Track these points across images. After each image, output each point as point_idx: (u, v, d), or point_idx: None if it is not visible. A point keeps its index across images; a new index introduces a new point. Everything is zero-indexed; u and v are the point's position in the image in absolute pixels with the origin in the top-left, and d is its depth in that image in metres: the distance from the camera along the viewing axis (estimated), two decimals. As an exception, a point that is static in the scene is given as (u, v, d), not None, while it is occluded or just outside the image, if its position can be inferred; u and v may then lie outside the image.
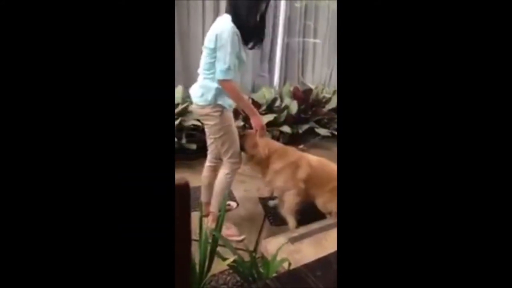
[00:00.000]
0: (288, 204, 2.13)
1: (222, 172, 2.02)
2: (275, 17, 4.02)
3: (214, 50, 1.73)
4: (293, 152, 2.18)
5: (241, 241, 2.02)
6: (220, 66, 1.69)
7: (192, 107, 1.98)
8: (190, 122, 3.01)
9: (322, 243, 1.84)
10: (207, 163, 2.13)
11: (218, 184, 2.02)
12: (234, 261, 1.47)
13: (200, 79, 1.86)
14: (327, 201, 2.12)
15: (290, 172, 2.09)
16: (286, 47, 4.30)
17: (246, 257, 1.61)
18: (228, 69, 1.69)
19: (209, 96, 1.80)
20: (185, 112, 3.06)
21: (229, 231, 2.06)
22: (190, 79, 3.44)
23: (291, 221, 2.15)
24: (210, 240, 1.42)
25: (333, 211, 2.13)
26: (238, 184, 2.59)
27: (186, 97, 3.18)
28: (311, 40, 4.63)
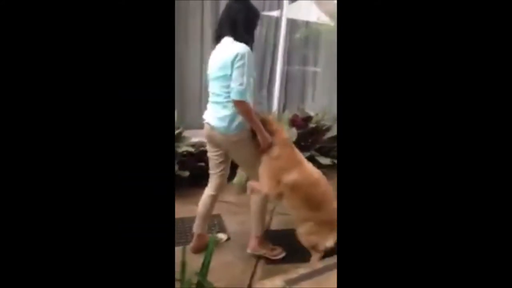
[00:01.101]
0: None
1: (254, 198, 1.91)
2: (275, 46, 4.00)
3: (230, 75, 1.66)
4: (296, 153, 1.89)
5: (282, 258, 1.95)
6: (237, 86, 1.63)
7: (218, 137, 1.81)
8: (183, 148, 2.84)
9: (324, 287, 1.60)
10: (211, 191, 1.98)
11: (257, 208, 1.93)
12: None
13: (219, 107, 1.76)
14: (311, 232, 1.86)
15: (278, 166, 1.79)
16: (286, 75, 4.26)
17: None
18: (246, 90, 1.64)
19: (238, 121, 1.73)
20: (178, 137, 2.91)
21: (275, 251, 1.99)
22: (186, 104, 3.35)
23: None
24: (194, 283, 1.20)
25: (319, 247, 1.87)
26: (231, 215, 2.37)
27: (180, 122, 3.05)
28: (311, 68, 4.61)
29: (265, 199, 1.95)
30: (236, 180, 2.84)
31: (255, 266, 1.92)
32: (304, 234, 1.87)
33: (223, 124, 1.74)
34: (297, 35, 4.22)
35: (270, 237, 2.16)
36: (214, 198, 1.97)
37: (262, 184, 1.83)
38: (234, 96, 1.64)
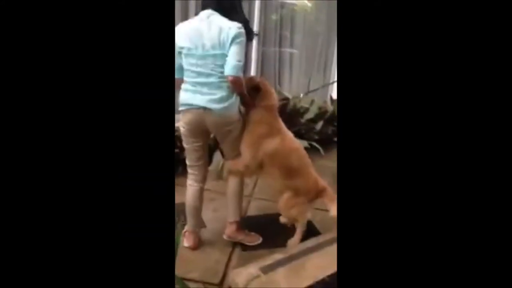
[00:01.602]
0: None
1: (232, 180, 1.85)
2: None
3: (226, 52, 1.57)
4: (278, 121, 1.81)
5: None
6: (235, 62, 1.54)
7: (210, 121, 1.66)
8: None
9: (300, 273, 1.57)
10: (198, 184, 1.84)
11: (233, 193, 1.88)
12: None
13: (212, 88, 1.61)
14: (291, 204, 1.82)
15: (259, 132, 1.71)
16: (262, 56, 4.15)
17: None
18: (242, 65, 1.57)
19: (234, 101, 1.66)
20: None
21: (252, 237, 1.95)
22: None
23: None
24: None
25: (300, 220, 1.87)
26: (207, 202, 2.28)
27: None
28: (288, 50, 4.51)
29: (242, 182, 1.88)
30: (211, 166, 2.75)
31: (231, 254, 1.87)
32: (285, 206, 1.84)
33: (222, 105, 1.61)
34: (273, 16, 4.09)
35: (247, 223, 2.11)
36: (201, 190, 1.86)
37: (243, 155, 1.75)
38: (231, 71, 1.54)
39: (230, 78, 1.55)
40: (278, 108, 2.04)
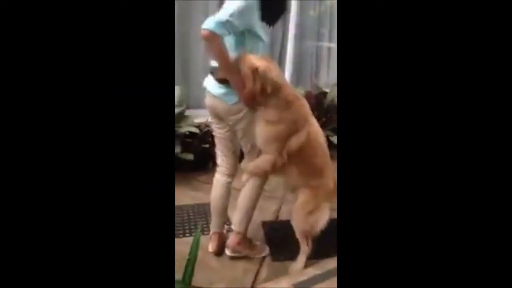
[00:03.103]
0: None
1: (252, 182, 1.60)
2: (285, 24, 3.70)
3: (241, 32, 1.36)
4: (301, 111, 1.48)
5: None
6: (218, 16, 1.28)
7: (220, 108, 1.51)
8: (186, 128, 2.60)
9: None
10: (225, 178, 1.67)
11: (247, 198, 1.63)
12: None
13: None
14: (308, 211, 1.54)
15: (279, 130, 1.43)
16: (299, 51, 3.95)
17: None
18: (225, 23, 1.27)
19: None
20: (180, 117, 2.66)
21: (256, 250, 1.73)
22: (189, 81, 3.08)
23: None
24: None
25: (312, 231, 1.58)
26: (233, 201, 2.13)
27: (182, 100, 2.79)
28: (326, 44, 4.27)
29: (261, 188, 1.64)
30: (243, 163, 2.61)
31: (260, 265, 1.70)
32: (301, 212, 1.55)
33: (224, 90, 1.45)
34: (311, 12, 3.87)
35: (278, 227, 1.93)
36: (229, 186, 1.67)
37: (267, 153, 1.47)
38: (207, 24, 1.27)
39: (202, 32, 1.27)
40: (312, 100, 1.78)
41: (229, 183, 1.68)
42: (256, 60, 1.38)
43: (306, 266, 1.59)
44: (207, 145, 2.74)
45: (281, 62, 3.87)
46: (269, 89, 1.36)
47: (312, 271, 1.52)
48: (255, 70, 1.34)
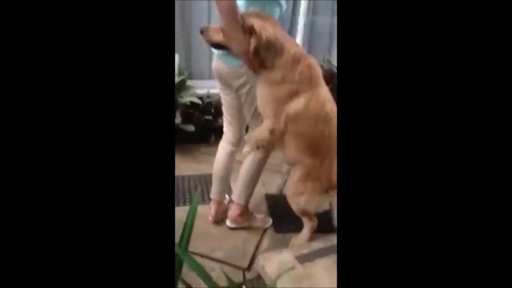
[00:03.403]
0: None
1: (255, 155, 1.51)
2: None
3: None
4: (307, 67, 1.29)
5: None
6: None
7: (224, 71, 1.42)
8: (187, 98, 2.49)
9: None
10: (229, 146, 1.61)
11: (248, 171, 1.55)
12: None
13: None
14: (300, 192, 1.43)
15: (283, 92, 1.29)
16: (310, 26, 3.76)
17: (237, 277, 1.15)
18: None
19: None
20: (181, 86, 2.55)
21: (257, 221, 1.68)
22: (192, 48, 2.95)
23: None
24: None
25: (306, 212, 1.47)
26: (235, 173, 2.06)
27: (183, 68, 2.67)
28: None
29: (264, 162, 1.55)
30: (247, 135, 2.52)
31: (262, 235, 1.63)
32: (292, 191, 1.44)
33: (234, 60, 1.34)
34: None
35: (282, 201, 1.86)
36: (233, 155, 1.61)
37: (266, 119, 1.35)
38: None
39: None
40: (327, 78, 1.58)
41: (234, 151, 1.61)
42: (251, 18, 1.23)
43: (309, 239, 1.51)
44: (210, 117, 2.65)
45: (292, 36, 3.72)
46: (264, 50, 1.23)
47: (316, 245, 1.45)
48: (251, 28, 1.20)
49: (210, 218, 1.67)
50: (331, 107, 1.35)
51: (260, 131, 1.39)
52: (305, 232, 1.53)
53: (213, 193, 1.67)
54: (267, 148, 1.50)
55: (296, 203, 1.45)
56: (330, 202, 1.48)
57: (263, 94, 1.33)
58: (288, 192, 1.49)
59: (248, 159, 1.54)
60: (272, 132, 1.35)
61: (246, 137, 1.62)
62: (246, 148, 1.45)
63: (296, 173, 1.43)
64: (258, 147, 1.46)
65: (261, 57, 1.24)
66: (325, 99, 1.34)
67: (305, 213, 1.49)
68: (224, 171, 1.61)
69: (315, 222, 1.52)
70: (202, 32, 1.30)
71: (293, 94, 1.29)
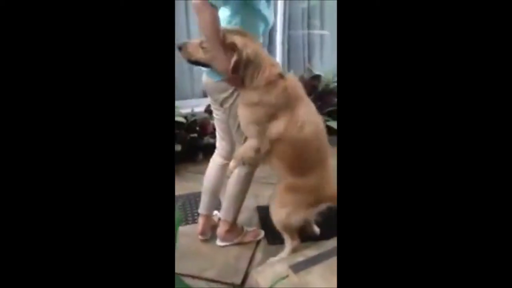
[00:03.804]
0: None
1: (242, 170, 1.48)
2: (273, 13, 3.64)
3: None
4: (283, 89, 1.26)
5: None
6: None
7: (210, 86, 1.39)
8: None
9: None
10: (220, 159, 1.58)
11: (235, 186, 1.51)
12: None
13: None
14: (282, 204, 1.38)
15: (259, 114, 1.26)
16: (288, 40, 3.84)
17: None
18: None
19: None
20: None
21: (248, 236, 1.62)
22: (176, 72, 2.96)
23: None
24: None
25: (286, 228, 1.41)
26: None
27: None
28: (318, 31, 4.16)
29: (249, 178, 1.51)
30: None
31: (255, 249, 1.57)
32: (275, 204, 1.38)
33: (217, 77, 1.32)
34: (302, 5, 3.79)
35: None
36: (224, 168, 1.56)
37: (250, 138, 1.32)
38: None
39: (193, 2, 1.12)
40: (309, 87, 1.55)
41: (225, 165, 1.56)
42: (233, 34, 1.21)
43: (304, 247, 1.45)
44: (195, 135, 2.62)
45: (271, 51, 3.77)
46: (243, 67, 1.20)
47: (310, 252, 1.39)
48: (232, 45, 1.19)
49: (198, 234, 1.61)
50: (311, 128, 1.31)
51: (245, 149, 1.36)
52: (284, 254, 1.44)
53: (202, 207, 1.62)
54: (253, 164, 1.47)
55: (279, 215, 1.38)
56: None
57: (243, 115, 1.31)
58: (272, 202, 1.42)
59: (235, 174, 1.50)
60: (257, 151, 1.32)
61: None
62: (232, 164, 1.42)
63: (282, 184, 1.39)
64: (243, 164, 1.43)
65: (241, 75, 1.22)
66: (303, 123, 1.29)
67: (287, 227, 1.40)
68: (214, 184, 1.57)
69: (298, 242, 1.43)
70: (180, 48, 1.27)
71: (272, 117, 1.27)
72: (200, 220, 1.62)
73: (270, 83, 1.23)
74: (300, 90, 1.33)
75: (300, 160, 1.32)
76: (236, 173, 1.48)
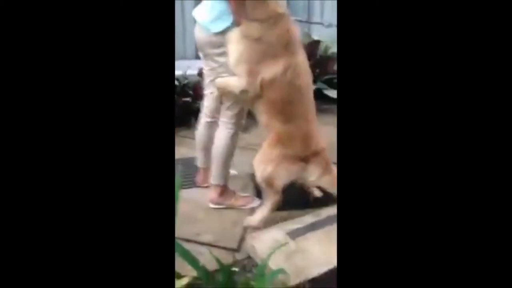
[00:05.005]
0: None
1: (225, 132, 1.47)
2: None
3: None
4: (285, 31, 1.25)
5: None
6: None
7: (202, 39, 1.40)
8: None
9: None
10: (205, 118, 1.61)
11: (220, 148, 1.49)
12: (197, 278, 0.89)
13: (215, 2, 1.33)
14: (266, 160, 1.35)
15: (260, 50, 1.23)
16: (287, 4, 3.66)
17: (227, 259, 1.13)
18: None
19: (228, 17, 1.28)
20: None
21: (242, 200, 1.60)
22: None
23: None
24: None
25: (270, 184, 1.36)
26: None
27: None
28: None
29: (235, 136, 1.47)
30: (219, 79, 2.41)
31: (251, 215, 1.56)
32: (259, 159, 1.35)
33: (207, 18, 1.34)
34: None
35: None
36: (210, 126, 1.58)
37: (239, 76, 1.26)
38: None
39: None
40: (309, 50, 1.53)
41: (209, 123, 1.60)
42: None
43: (301, 214, 1.44)
44: (188, 99, 2.52)
45: None
46: None
47: (307, 219, 1.38)
48: None
49: (200, 183, 1.71)
50: (305, 79, 1.31)
51: (233, 84, 1.31)
52: (264, 209, 1.39)
53: (199, 162, 1.70)
54: (237, 123, 1.46)
55: (261, 170, 1.33)
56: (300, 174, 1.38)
57: (237, 50, 1.26)
58: (255, 159, 1.38)
59: (220, 138, 1.48)
60: (243, 92, 1.29)
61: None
62: (212, 88, 1.44)
63: (267, 139, 1.37)
64: (223, 96, 1.42)
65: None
66: (300, 70, 1.29)
67: (270, 183, 1.35)
68: (204, 141, 1.63)
69: (280, 197, 1.38)
70: None
71: (269, 57, 1.23)
72: (201, 171, 1.71)
73: (273, 20, 1.22)
74: (299, 39, 1.33)
75: (288, 108, 1.30)
76: (221, 137, 1.47)
